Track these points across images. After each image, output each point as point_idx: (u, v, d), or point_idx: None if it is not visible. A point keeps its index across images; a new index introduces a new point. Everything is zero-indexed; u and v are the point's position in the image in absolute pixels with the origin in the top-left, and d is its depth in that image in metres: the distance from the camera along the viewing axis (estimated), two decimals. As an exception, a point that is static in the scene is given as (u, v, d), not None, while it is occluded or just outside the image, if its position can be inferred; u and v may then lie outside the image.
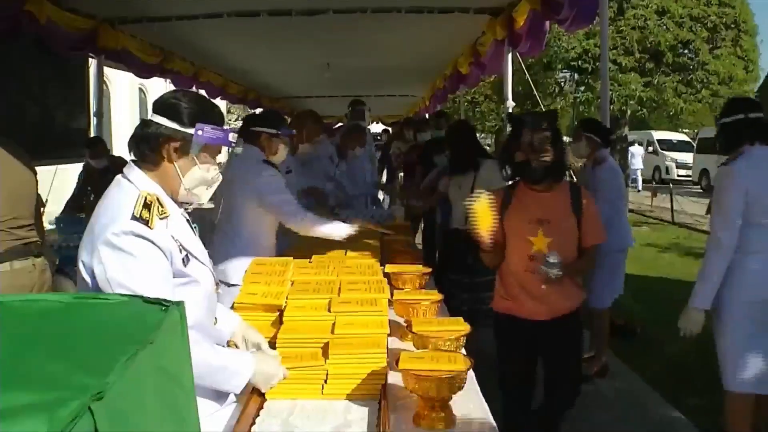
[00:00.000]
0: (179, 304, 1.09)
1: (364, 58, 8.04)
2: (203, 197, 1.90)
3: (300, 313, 2.19)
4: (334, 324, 2.12)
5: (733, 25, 16.30)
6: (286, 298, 2.30)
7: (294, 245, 3.64)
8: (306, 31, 6.20)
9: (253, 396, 1.85)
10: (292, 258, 2.87)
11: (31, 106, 6.13)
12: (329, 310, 2.19)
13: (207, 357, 1.69)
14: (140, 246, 1.63)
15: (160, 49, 6.82)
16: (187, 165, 1.79)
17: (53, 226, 5.64)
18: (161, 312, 1.06)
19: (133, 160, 1.81)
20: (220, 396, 1.84)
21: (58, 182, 6.95)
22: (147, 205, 1.67)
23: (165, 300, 1.08)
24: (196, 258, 1.82)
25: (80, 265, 1.66)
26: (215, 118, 1.82)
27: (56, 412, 0.69)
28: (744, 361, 3.00)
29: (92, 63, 6.93)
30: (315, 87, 10.70)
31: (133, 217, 1.64)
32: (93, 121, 7.11)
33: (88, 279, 1.64)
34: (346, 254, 3.17)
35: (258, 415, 1.81)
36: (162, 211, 1.71)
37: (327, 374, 1.94)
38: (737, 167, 2.96)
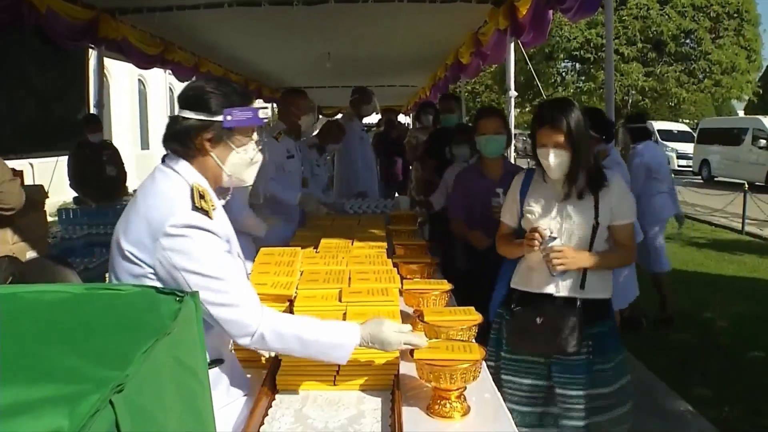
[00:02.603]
0: (194, 295, 1.07)
1: (365, 47, 8.00)
2: (248, 179, 1.88)
3: (310, 303, 2.16)
4: (345, 314, 2.09)
5: (735, 15, 16.25)
6: (296, 288, 2.28)
7: (299, 234, 3.62)
8: (307, 21, 6.16)
9: (265, 388, 1.83)
10: (299, 248, 2.85)
11: (31, 97, 6.11)
12: (340, 300, 2.17)
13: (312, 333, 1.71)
14: (204, 237, 1.63)
15: (160, 39, 6.77)
16: (225, 152, 1.78)
17: (55, 218, 5.63)
18: (176, 302, 1.04)
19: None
20: (231, 388, 1.82)
21: (58, 174, 6.93)
22: (201, 196, 1.66)
23: (179, 290, 1.06)
24: (235, 250, 1.81)
25: (127, 254, 1.63)
26: (241, 99, 1.78)
27: (77, 405, 0.67)
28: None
29: (92, 54, 6.89)
30: (316, 77, 10.66)
31: (194, 208, 1.63)
32: (93, 112, 7.09)
33: (137, 270, 1.62)
34: (352, 244, 3.14)
35: (270, 407, 1.79)
36: (211, 203, 1.70)
37: (339, 365, 1.91)
38: (640, 149, 5.51)
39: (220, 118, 1.73)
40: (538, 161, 2.57)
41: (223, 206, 1.82)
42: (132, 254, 1.62)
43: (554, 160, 2.46)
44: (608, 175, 2.57)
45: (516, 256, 2.73)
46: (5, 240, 3.44)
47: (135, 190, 1.85)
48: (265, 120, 1.86)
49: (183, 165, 1.74)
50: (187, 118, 1.72)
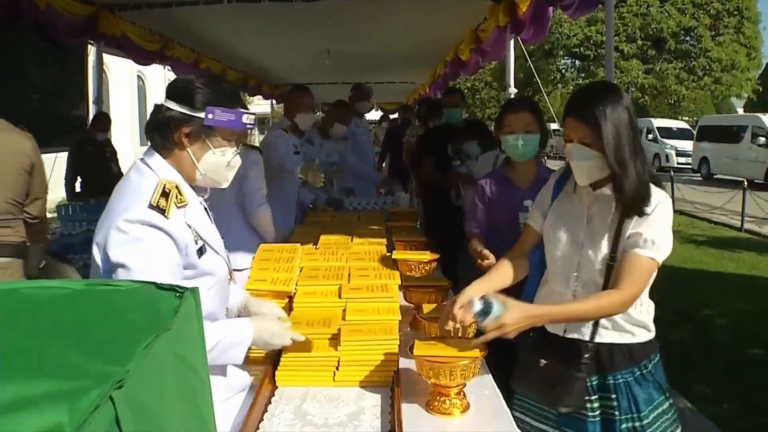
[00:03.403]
0: (194, 291, 1.07)
1: (365, 44, 7.98)
2: (222, 182, 1.84)
3: (310, 299, 2.16)
4: (344, 310, 2.10)
5: (735, 12, 16.22)
6: (296, 284, 2.28)
7: (299, 231, 3.62)
8: (306, 18, 6.14)
9: (265, 383, 1.83)
10: (299, 244, 2.85)
11: (30, 93, 6.10)
12: (339, 297, 2.17)
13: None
14: (152, 236, 1.59)
15: (159, 35, 6.76)
16: (201, 150, 1.75)
17: (54, 214, 5.62)
18: (176, 298, 1.04)
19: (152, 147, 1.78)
20: (231, 384, 1.82)
21: (57, 170, 6.93)
22: (165, 194, 1.63)
23: (179, 286, 1.06)
24: (211, 248, 1.78)
25: (94, 247, 1.62)
26: (228, 100, 1.75)
27: (77, 401, 0.67)
28: None
29: (91, 50, 6.87)
30: (315, 74, 10.65)
31: (150, 206, 1.60)
32: (92, 108, 7.08)
33: (98, 261, 1.61)
34: (352, 240, 3.14)
35: (270, 403, 1.80)
36: (180, 199, 1.67)
37: (338, 361, 1.91)
38: None
39: (201, 114, 1.70)
40: None
41: (243, 200, 1.77)
42: (100, 249, 1.61)
43: (577, 159, 1.90)
44: (652, 191, 1.90)
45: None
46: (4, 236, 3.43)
47: None
48: (249, 126, 1.82)
49: (157, 159, 1.72)
50: (171, 110, 1.70)
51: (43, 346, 0.79)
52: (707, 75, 16.20)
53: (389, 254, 2.86)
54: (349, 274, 2.41)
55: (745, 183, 11.74)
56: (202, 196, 1.85)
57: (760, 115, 19.48)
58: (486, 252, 2.71)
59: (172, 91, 1.73)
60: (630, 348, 2.00)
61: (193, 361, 1.03)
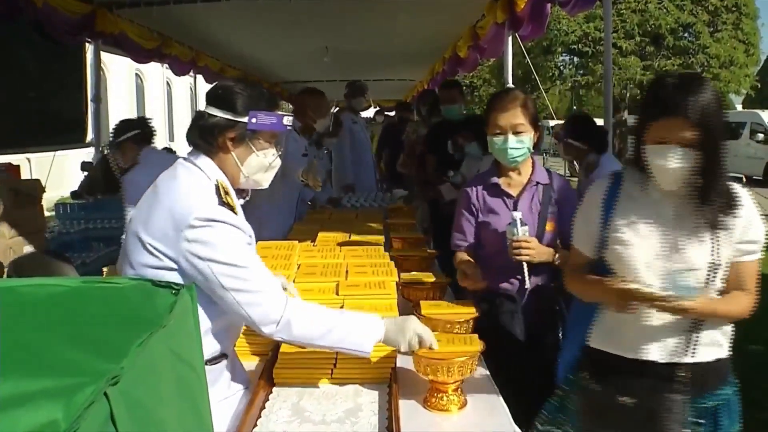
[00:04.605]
0: (190, 287, 1.08)
1: (363, 42, 7.98)
2: (263, 182, 1.90)
3: (308, 296, 2.16)
4: (342, 307, 2.10)
5: (734, 8, 16.23)
6: (293, 281, 2.28)
7: (297, 228, 3.62)
8: (304, 15, 6.15)
9: (262, 381, 1.83)
10: (297, 241, 2.86)
11: (28, 91, 6.08)
12: (337, 293, 2.17)
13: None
14: (228, 230, 1.65)
15: (157, 33, 6.75)
16: (245, 153, 1.80)
17: (52, 213, 5.63)
18: (172, 295, 1.04)
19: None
20: (231, 382, 1.82)
21: (56, 168, 6.93)
22: (227, 193, 1.70)
23: (175, 283, 1.07)
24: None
25: (148, 247, 1.64)
26: (268, 103, 1.81)
27: (72, 397, 0.67)
28: None
29: (89, 48, 6.86)
30: (313, 71, 10.65)
31: (221, 203, 1.66)
32: (90, 106, 7.06)
33: (156, 262, 1.64)
34: (350, 237, 3.15)
35: (268, 400, 1.80)
36: (232, 201, 1.73)
37: (336, 358, 1.92)
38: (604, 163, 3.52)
39: (245, 119, 1.75)
40: (635, 162, 1.76)
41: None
42: (153, 247, 1.64)
43: (678, 162, 1.63)
44: (736, 190, 1.73)
45: (593, 300, 1.87)
46: (2, 234, 3.44)
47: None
48: (289, 127, 1.87)
49: (205, 161, 1.76)
50: (213, 115, 1.75)
51: (40, 343, 0.79)
52: (705, 71, 16.24)
53: (387, 251, 2.86)
54: (347, 271, 2.42)
55: (744, 179, 11.76)
56: (243, 197, 1.89)
57: (758, 111, 19.46)
58: (470, 270, 2.39)
59: (214, 98, 1.79)
60: (719, 364, 1.81)
61: (189, 357, 1.04)
